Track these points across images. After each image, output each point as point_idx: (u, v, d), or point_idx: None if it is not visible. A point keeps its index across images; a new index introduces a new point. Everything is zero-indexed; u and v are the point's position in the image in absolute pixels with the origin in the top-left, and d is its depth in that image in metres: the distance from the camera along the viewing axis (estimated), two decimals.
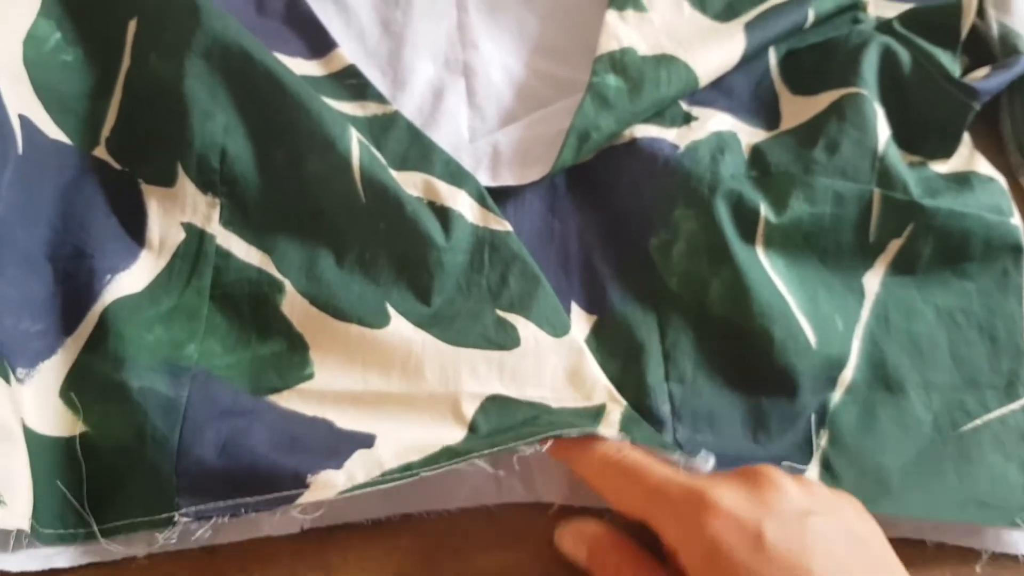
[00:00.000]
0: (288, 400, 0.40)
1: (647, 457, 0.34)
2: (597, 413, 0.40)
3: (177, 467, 0.37)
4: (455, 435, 0.39)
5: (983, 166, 0.49)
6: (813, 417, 0.41)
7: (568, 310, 0.44)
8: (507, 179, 0.46)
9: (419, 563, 0.39)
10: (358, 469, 0.37)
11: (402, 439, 0.39)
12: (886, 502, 0.40)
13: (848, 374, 0.43)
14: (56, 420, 0.38)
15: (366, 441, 0.39)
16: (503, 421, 0.40)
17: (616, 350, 0.43)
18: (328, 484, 0.37)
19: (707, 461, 0.38)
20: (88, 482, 0.37)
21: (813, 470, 0.40)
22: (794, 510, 0.32)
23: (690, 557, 0.31)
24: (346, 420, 0.40)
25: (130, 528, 0.36)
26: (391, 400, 0.40)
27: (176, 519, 0.37)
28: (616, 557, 0.35)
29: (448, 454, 0.38)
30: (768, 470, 0.33)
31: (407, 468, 0.37)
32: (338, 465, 0.37)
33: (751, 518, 0.31)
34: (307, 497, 0.37)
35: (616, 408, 0.40)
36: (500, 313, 0.42)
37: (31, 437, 0.37)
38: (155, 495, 0.37)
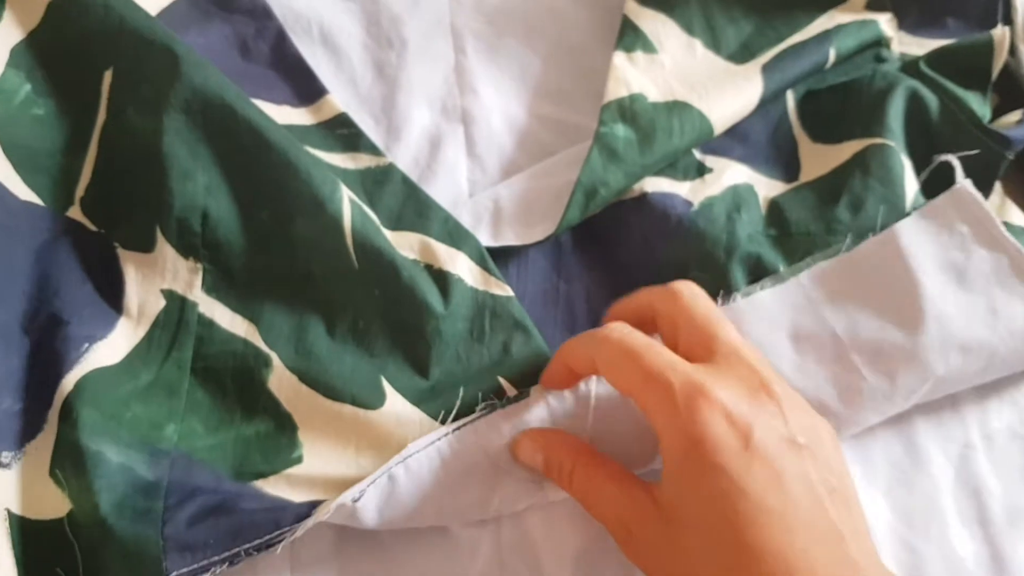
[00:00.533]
0: (275, 486, 0.37)
1: (653, 341, 0.33)
2: None
3: (164, 531, 0.34)
4: None
5: (1016, 216, 0.45)
6: None
7: None
8: (509, 238, 0.43)
9: None
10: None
11: None
12: None
13: None
14: (49, 502, 0.35)
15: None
16: None
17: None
18: (327, 507, 0.35)
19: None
20: (83, 560, 0.34)
21: None
22: (786, 434, 0.31)
23: (672, 445, 0.31)
24: None
25: None
26: None
27: None
28: (571, 460, 0.34)
29: None
30: (771, 378, 0.32)
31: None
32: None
33: (744, 421, 0.30)
34: (311, 522, 0.34)
35: None
36: (501, 381, 0.39)
37: (24, 526, 0.35)
38: (143, 562, 0.34)
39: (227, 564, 0.34)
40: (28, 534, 0.34)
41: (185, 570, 0.34)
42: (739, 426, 0.30)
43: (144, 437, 0.37)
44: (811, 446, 0.31)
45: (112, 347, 0.38)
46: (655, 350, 0.32)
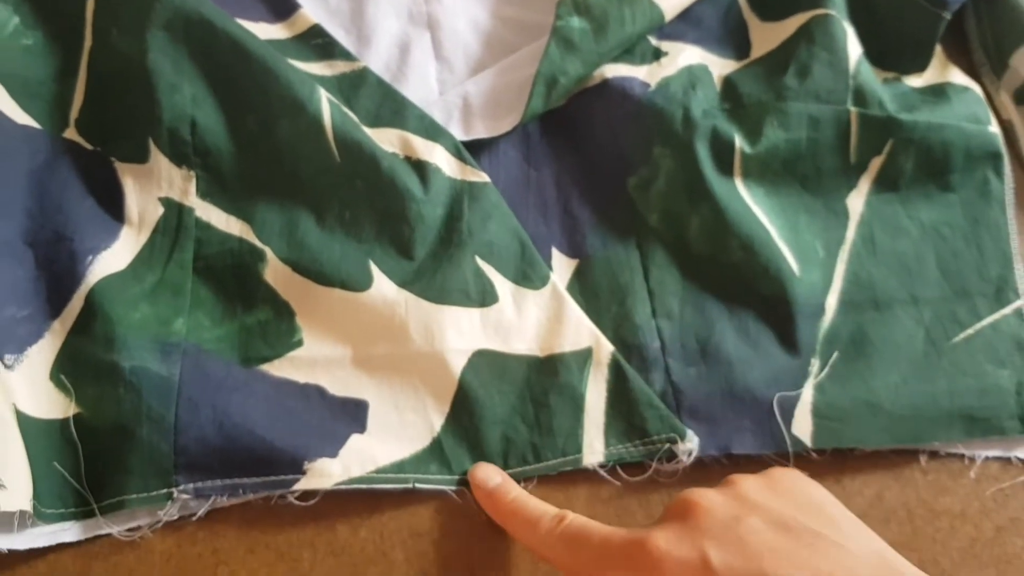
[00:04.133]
0: (280, 369, 0.38)
1: (586, 521, 0.32)
2: (584, 359, 0.39)
3: (175, 445, 0.35)
4: (445, 392, 0.38)
5: (957, 76, 0.46)
6: (803, 343, 0.39)
7: (549, 257, 0.42)
8: (480, 131, 0.43)
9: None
10: (353, 461, 0.36)
11: (393, 412, 0.38)
12: (878, 428, 0.38)
13: (833, 299, 0.41)
14: (49, 403, 0.36)
15: (359, 417, 0.37)
16: (493, 379, 0.38)
17: (600, 292, 0.41)
18: (324, 474, 0.36)
19: (691, 442, 0.37)
20: (86, 462, 0.35)
21: (807, 395, 0.38)
22: (724, 522, 0.29)
23: None
24: (337, 386, 0.38)
25: (130, 504, 0.35)
26: (379, 363, 0.38)
27: (175, 495, 0.35)
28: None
29: (437, 451, 0.37)
30: (688, 495, 0.31)
31: (399, 468, 0.36)
32: (333, 453, 0.36)
33: (691, 552, 0.28)
34: (303, 484, 0.35)
35: (603, 351, 0.39)
36: (479, 261, 0.40)
37: (25, 421, 0.35)
38: (154, 472, 0.35)
39: (227, 495, 0.36)
40: (26, 430, 0.35)
41: (190, 486, 0.35)
42: (689, 561, 0.28)
43: (155, 334, 0.37)
44: (753, 504, 0.30)
45: (117, 255, 0.39)
46: (593, 527, 0.31)
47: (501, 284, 0.40)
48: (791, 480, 0.32)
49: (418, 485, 0.36)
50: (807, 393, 0.38)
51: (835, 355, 0.39)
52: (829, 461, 0.38)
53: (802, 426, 0.38)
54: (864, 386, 0.39)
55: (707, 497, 0.30)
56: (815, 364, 0.39)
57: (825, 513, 0.30)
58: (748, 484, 0.31)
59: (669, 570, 0.28)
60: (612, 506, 0.37)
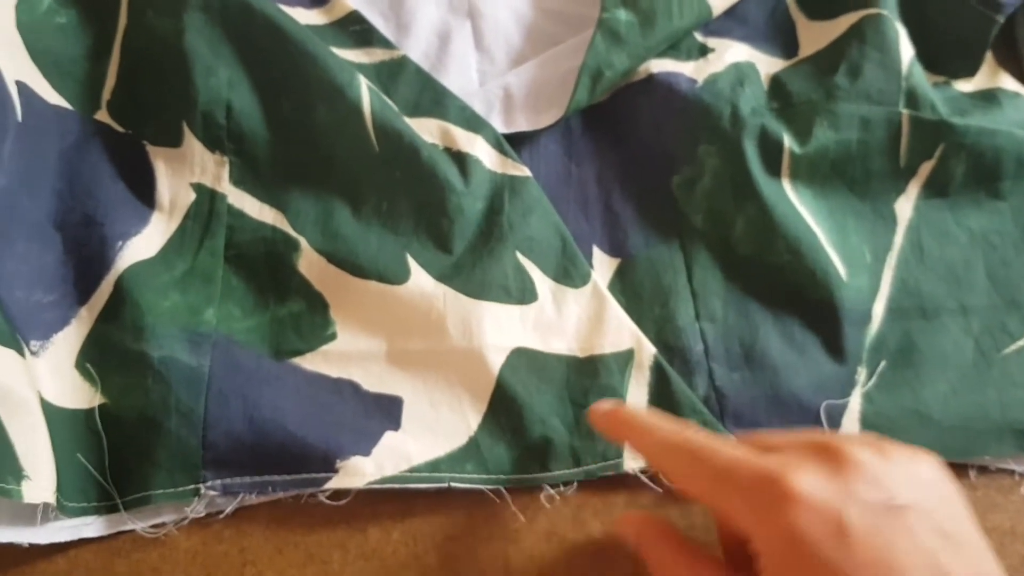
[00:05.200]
0: (312, 362, 0.36)
1: (711, 438, 0.29)
2: (626, 360, 0.37)
3: (204, 439, 0.34)
4: (483, 389, 0.36)
5: (1008, 82, 0.44)
6: (849, 350, 0.38)
7: (590, 255, 0.40)
8: (521, 124, 0.41)
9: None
10: (387, 459, 0.34)
11: (428, 409, 0.36)
12: (928, 439, 0.36)
13: (881, 306, 0.39)
14: (73, 392, 0.34)
15: (393, 413, 0.35)
16: (532, 378, 0.36)
17: (642, 293, 0.39)
18: (357, 472, 0.34)
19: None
20: (110, 454, 0.34)
21: (855, 403, 0.37)
22: (880, 499, 0.26)
23: (766, 546, 0.26)
24: (371, 381, 0.36)
25: (155, 500, 0.33)
26: (415, 358, 0.36)
27: (202, 492, 0.33)
28: (661, 548, 0.30)
29: (473, 449, 0.35)
30: (846, 446, 0.27)
31: (435, 467, 0.34)
32: (367, 451, 0.34)
33: (833, 507, 0.25)
34: (335, 483, 0.34)
35: (645, 353, 0.37)
36: (519, 257, 0.38)
37: (49, 410, 0.33)
38: (181, 467, 0.33)
39: (256, 492, 0.34)
40: (49, 419, 0.33)
41: (218, 483, 0.33)
42: (828, 514, 0.25)
43: (185, 324, 0.36)
44: (912, 500, 0.26)
45: (147, 240, 0.37)
46: (714, 445, 0.28)
47: (541, 281, 0.38)
48: (943, 485, 0.28)
49: (454, 484, 0.34)
50: (855, 402, 0.37)
51: (883, 364, 0.38)
52: None
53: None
54: (912, 396, 0.37)
55: (865, 456, 0.27)
56: (862, 372, 0.37)
57: (974, 549, 0.26)
58: (904, 455, 0.28)
59: (801, 515, 0.25)
60: (655, 511, 0.35)
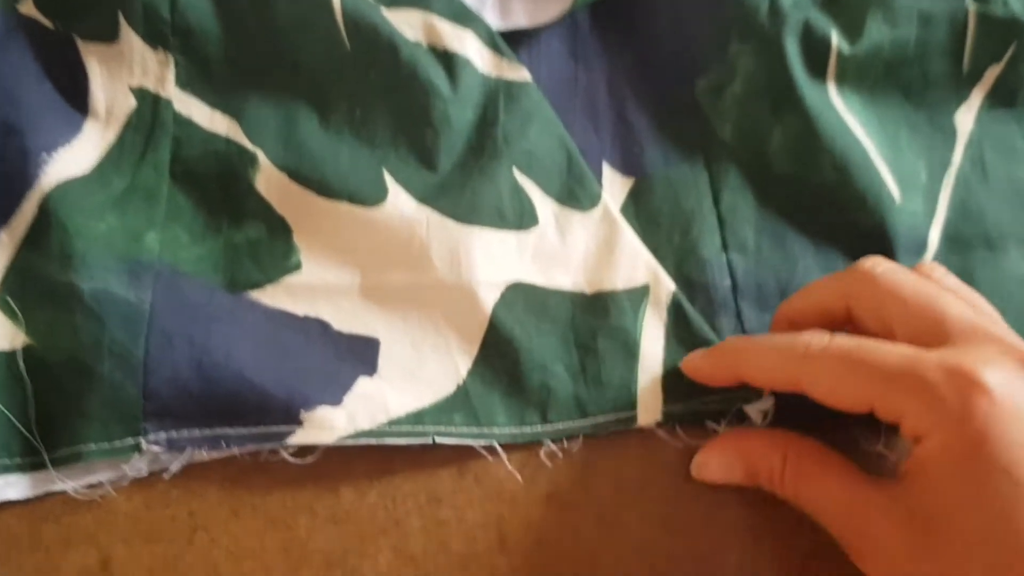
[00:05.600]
0: (273, 297, 0.31)
1: (869, 340, 0.26)
2: (640, 298, 0.31)
3: (144, 386, 0.28)
4: (474, 330, 0.31)
5: None
6: None
7: (599, 173, 0.34)
8: (519, 19, 0.35)
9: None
10: (360, 410, 0.29)
11: (410, 352, 0.30)
12: None
13: (936, 233, 0.33)
14: None
15: (367, 357, 0.30)
16: (531, 318, 0.31)
17: (660, 218, 0.33)
18: (325, 425, 0.29)
19: (766, 402, 0.29)
20: (36, 403, 0.29)
21: None
22: None
23: (942, 448, 0.24)
24: (343, 320, 0.31)
25: (88, 456, 0.28)
26: (393, 293, 0.31)
27: (143, 447, 0.28)
28: (780, 459, 0.28)
29: (462, 399, 0.30)
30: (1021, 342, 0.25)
31: (417, 419, 0.29)
32: (336, 399, 0.29)
33: None
34: (300, 438, 0.29)
35: (663, 289, 0.32)
36: (517, 175, 0.32)
37: None
38: (117, 418, 0.28)
39: (207, 448, 0.29)
40: None
41: (162, 436, 0.28)
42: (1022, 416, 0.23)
43: (122, 251, 0.30)
44: None
45: (78, 153, 0.32)
46: (883, 347, 0.25)
47: (542, 203, 0.32)
48: None
49: (439, 439, 0.29)
50: None
51: None
52: None
53: None
54: None
55: None
56: None
57: None
58: None
59: (995, 414, 0.23)
60: (669, 473, 0.30)
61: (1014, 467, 0.22)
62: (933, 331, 0.25)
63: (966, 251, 0.33)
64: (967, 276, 0.33)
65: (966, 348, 0.25)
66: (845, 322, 0.28)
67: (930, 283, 0.27)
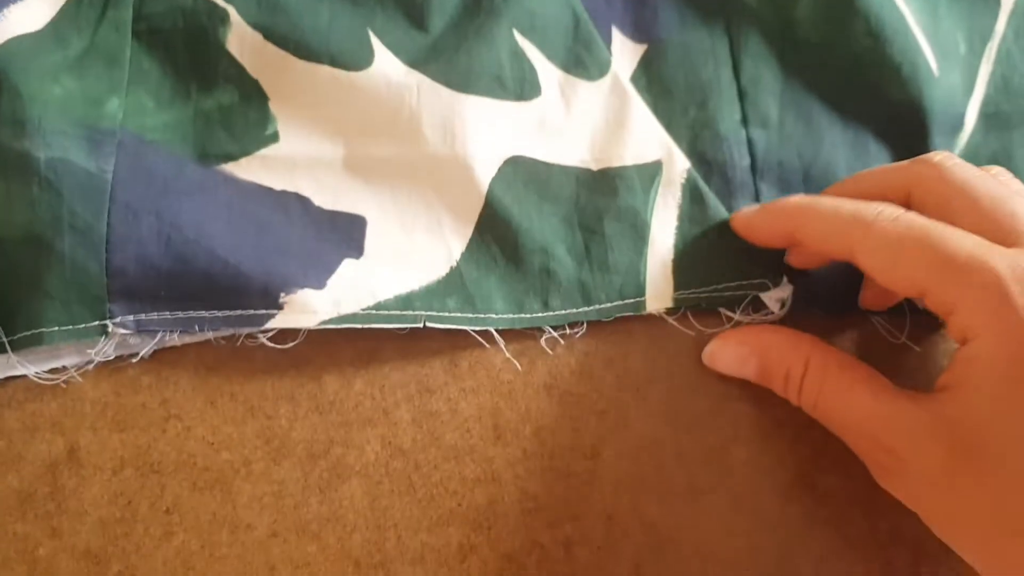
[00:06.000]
0: (248, 170, 0.28)
1: (944, 224, 0.23)
2: (651, 176, 0.29)
3: (108, 264, 0.26)
4: (468, 208, 0.28)
5: None
6: None
7: (608, 39, 0.31)
8: None
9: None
10: (345, 294, 0.27)
11: (399, 232, 0.28)
12: None
13: (974, 109, 0.31)
14: None
15: (353, 237, 0.28)
16: (531, 196, 0.28)
17: (675, 89, 0.30)
18: (307, 309, 0.26)
19: (784, 290, 0.27)
20: None
21: None
22: None
23: (996, 349, 0.21)
24: (325, 196, 0.28)
25: (50, 338, 0.26)
26: (381, 167, 0.28)
27: (110, 329, 0.26)
28: (801, 363, 0.25)
29: (456, 282, 0.27)
30: None
31: (406, 303, 0.27)
32: (320, 283, 0.27)
33: None
34: (279, 322, 0.26)
35: (676, 167, 0.29)
36: (518, 37, 0.29)
37: None
38: (80, 298, 0.26)
39: (179, 331, 0.26)
40: None
41: (130, 319, 0.26)
42: None
43: (81, 117, 0.27)
44: None
45: (31, 8, 0.28)
46: (958, 233, 0.23)
47: (546, 70, 0.29)
48: None
49: (431, 324, 0.27)
50: None
51: None
52: None
53: None
54: None
55: None
56: None
57: None
58: None
59: None
60: (679, 364, 0.28)
61: None
62: (1004, 231, 0.23)
63: (1005, 130, 0.30)
64: (1005, 158, 0.30)
65: None
66: None
67: (1001, 183, 0.24)
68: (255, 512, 0.26)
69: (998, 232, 0.23)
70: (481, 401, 0.27)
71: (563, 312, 0.27)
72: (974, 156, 0.30)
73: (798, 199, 0.27)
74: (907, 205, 0.25)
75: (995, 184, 0.24)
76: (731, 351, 0.27)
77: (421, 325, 0.27)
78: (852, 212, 0.24)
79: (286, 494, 0.26)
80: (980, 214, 0.23)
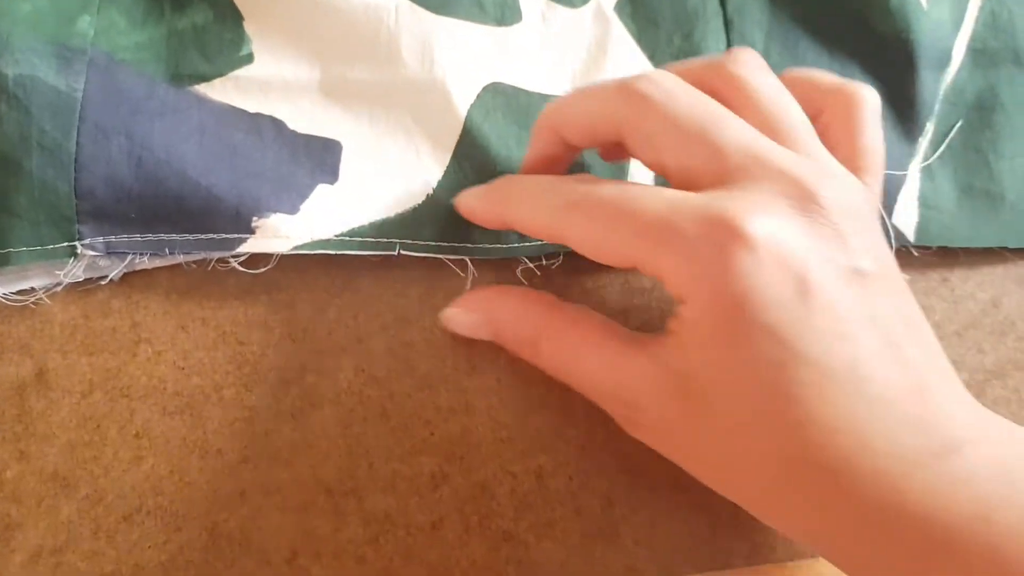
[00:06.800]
0: (221, 92, 0.27)
1: (636, 185, 0.22)
2: None
3: (76, 184, 0.25)
4: (446, 135, 0.27)
5: None
6: (921, 100, 0.29)
7: None
8: None
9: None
10: (319, 220, 0.26)
11: (375, 158, 0.27)
12: (997, 225, 0.29)
13: (962, 44, 0.30)
14: None
15: (328, 162, 0.27)
16: (511, 125, 0.28)
17: (659, 18, 0.29)
18: (279, 234, 0.26)
19: None
20: None
21: (914, 177, 0.29)
22: (850, 262, 0.20)
23: (700, 307, 0.20)
24: (301, 120, 0.27)
25: (18, 259, 0.25)
26: (358, 91, 0.27)
27: (79, 251, 0.25)
28: (532, 328, 0.25)
29: (432, 210, 0.27)
30: (823, 185, 0.21)
31: (381, 230, 0.26)
32: (293, 208, 0.26)
33: (798, 257, 0.20)
34: (251, 246, 0.26)
35: None
36: None
37: None
38: (48, 219, 0.25)
39: (149, 254, 0.26)
40: None
41: (99, 241, 0.25)
42: (791, 267, 0.20)
43: (51, 35, 0.26)
44: (877, 270, 0.21)
45: None
46: (647, 195, 0.21)
47: None
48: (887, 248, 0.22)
49: (405, 252, 0.26)
50: (913, 175, 0.29)
51: (959, 123, 0.29)
52: (936, 257, 0.29)
53: (904, 216, 0.28)
54: (985, 170, 0.29)
55: (828, 190, 0.21)
56: (929, 130, 0.29)
57: (928, 338, 0.21)
58: (861, 215, 0.21)
59: (755, 267, 0.19)
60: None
61: (780, 327, 0.19)
62: (708, 166, 0.22)
63: (992, 67, 0.30)
64: (990, 94, 0.30)
65: (740, 189, 0.21)
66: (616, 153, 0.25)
67: (711, 102, 0.22)
68: (225, 438, 0.26)
69: (701, 168, 0.22)
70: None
71: (539, 243, 0.27)
72: (961, 91, 0.30)
73: (503, 182, 0.25)
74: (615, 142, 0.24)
75: (701, 106, 0.22)
76: (464, 318, 0.26)
77: (395, 252, 0.26)
78: (549, 195, 0.23)
79: (257, 420, 0.26)
80: (680, 148, 0.22)
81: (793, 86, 0.24)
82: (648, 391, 0.22)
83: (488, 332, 0.26)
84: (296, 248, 0.26)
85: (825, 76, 0.25)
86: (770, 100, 0.23)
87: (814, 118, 0.24)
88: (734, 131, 0.22)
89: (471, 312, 0.26)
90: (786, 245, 0.20)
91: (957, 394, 0.20)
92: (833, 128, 0.24)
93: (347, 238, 0.26)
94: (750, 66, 0.23)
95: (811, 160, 0.22)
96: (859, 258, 0.21)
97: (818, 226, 0.20)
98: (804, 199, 0.20)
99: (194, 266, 0.27)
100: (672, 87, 0.22)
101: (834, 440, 0.19)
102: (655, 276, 0.21)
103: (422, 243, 0.26)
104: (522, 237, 0.27)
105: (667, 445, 0.23)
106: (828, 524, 0.20)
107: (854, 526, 0.19)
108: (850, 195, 0.21)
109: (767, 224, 0.20)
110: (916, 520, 0.18)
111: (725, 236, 0.20)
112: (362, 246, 0.26)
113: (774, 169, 0.21)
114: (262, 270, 0.26)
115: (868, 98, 0.24)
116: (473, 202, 0.26)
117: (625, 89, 0.22)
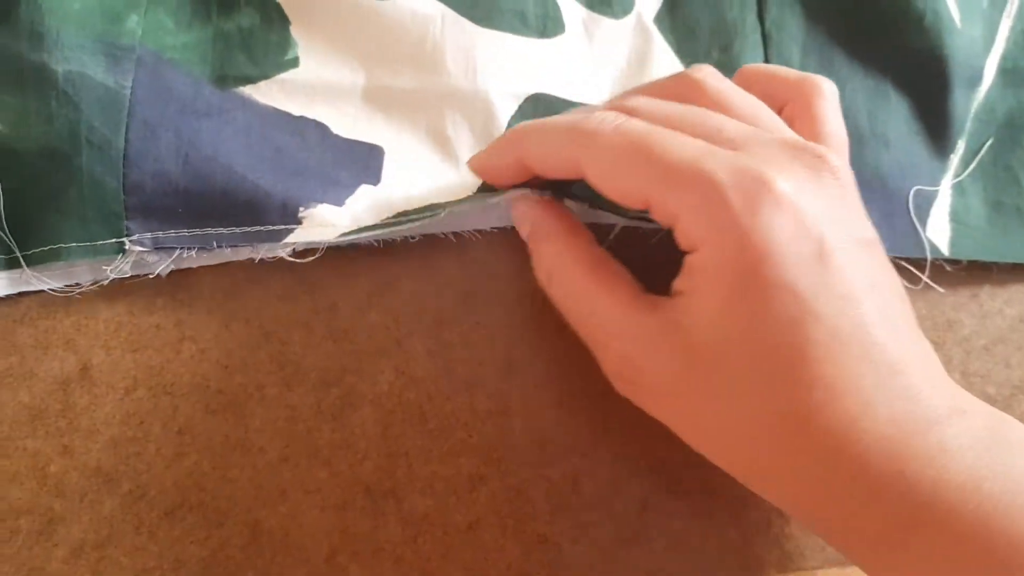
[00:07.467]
0: (267, 94, 0.27)
1: (662, 129, 0.22)
2: None
3: (125, 180, 0.25)
4: (488, 144, 0.28)
5: None
6: (954, 116, 0.29)
7: None
8: None
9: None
10: (365, 211, 0.26)
11: (417, 164, 0.27)
12: (1020, 243, 0.29)
13: (993, 64, 0.31)
14: None
15: (371, 166, 0.27)
16: None
17: (698, 31, 0.30)
18: (326, 223, 0.26)
19: None
20: (7, 196, 0.25)
21: (946, 192, 0.29)
22: (860, 231, 0.21)
23: (719, 259, 0.20)
24: (344, 124, 0.27)
25: (67, 255, 0.25)
26: (401, 98, 0.28)
27: (127, 247, 0.26)
28: (553, 253, 0.24)
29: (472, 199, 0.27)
30: (832, 155, 0.21)
31: (427, 209, 0.26)
32: (339, 201, 0.26)
33: (817, 221, 0.20)
34: (299, 236, 0.26)
35: None
36: None
37: None
38: (97, 215, 0.25)
39: (197, 248, 0.26)
40: None
41: (147, 236, 0.26)
42: (811, 228, 0.20)
43: (100, 33, 0.26)
44: (875, 239, 0.22)
45: None
46: (679, 138, 0.21)
47: (570, 7, 0.29)
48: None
49: (453, 211, 0.26)
50: (944, 191, 0.29)
51: (990, 141, 0.30)
52: (966, 272, 0.29)
53: (938, 231, 0.29)
54: (1015, 187, 0.30)
55: (837, 161, 0.22)
56: (960, 147, 0.29)
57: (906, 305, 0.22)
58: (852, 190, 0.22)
59: (782, 224, 0.20)
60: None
61: (798, 284, 0.19)
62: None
63: (1022, 86, 0.30)
64: (1020, 113, 0.30)
65: (761, 150, 0.21)
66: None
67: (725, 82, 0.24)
68: (267, 436, 0.26)
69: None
70: (494, 335, 0.27)
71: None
72: (992, 109, 0.30)
73: (519, 126, 0.25)
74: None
75: (683, 143, 0.22)
76: (513, 211, 0.26)
77: (441, 213, 0.26)
78: (571, 126, 0.23)
79: (298, 419, 0.26)
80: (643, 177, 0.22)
81: (755, 81, 0.25)
82: (648, 346, 0.22)
83: (524, 234, 0.26)
84: (344, 235, 0.26)
85: (784, 70, 0.26)
86: (741, 98, 0.23)
87: (777, 111, 0.24)
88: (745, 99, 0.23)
89: (518, 211, 0.26)
90: (808, 206, 0.20)
91: (939, 369, 0.21)
92: (797, 118, 0.25)
93: (393, 220, 0.26)
94: (707, 70, 0.24)
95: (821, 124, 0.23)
96: (864, 225, 0.22)
97: (831, 190, 0.21)
98: (815, 165, 0.21)
99: (239, 267, 0.27)
100: (618, 122, 0.22)
101: (841, 403, 0.19)
102: (667, 221, 0.21)
103: (468, 206, 0.26)
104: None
105: (662, 407, 0.23)
106: (823, 490, 0.20)
107: (850, 492, 0.20)
108: (848, 165, 0.22)
109: (790, 183, 0.20)
110: (912, 487, 0.19)
111: (757, 187, 0.20)
112: (409, 221, 0.26)
113: (775, 140, 0.21)
114: (309, 260, 0.26)
115: (827, 89, 0.25)
116: (485, 160, 0.25)
117: (574, 131, 0.23)
